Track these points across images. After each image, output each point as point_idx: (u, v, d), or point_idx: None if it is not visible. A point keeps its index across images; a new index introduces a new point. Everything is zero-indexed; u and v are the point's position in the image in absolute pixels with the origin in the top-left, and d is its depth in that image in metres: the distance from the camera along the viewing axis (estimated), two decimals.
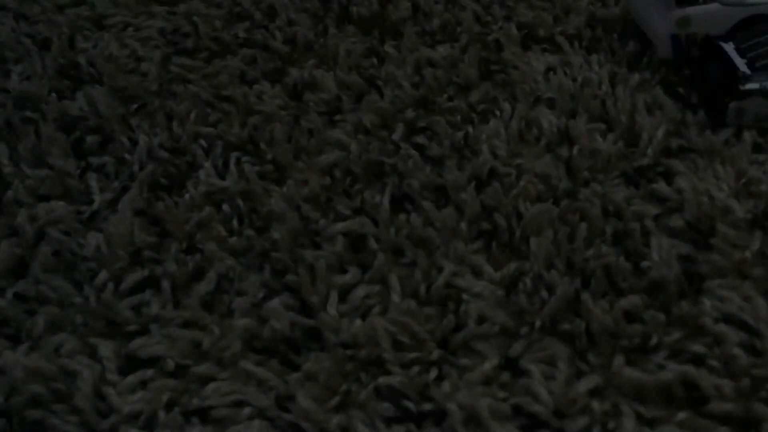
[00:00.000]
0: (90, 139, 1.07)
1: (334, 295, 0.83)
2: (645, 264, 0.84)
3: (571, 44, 1.20)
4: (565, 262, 0.86)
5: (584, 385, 0.74)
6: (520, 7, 1.28)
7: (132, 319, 0.83)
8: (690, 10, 1.14)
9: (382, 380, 0.76)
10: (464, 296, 0.83)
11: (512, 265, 0.86)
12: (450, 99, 1.10)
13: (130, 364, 0.80)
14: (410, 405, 0.75)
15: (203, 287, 0.86)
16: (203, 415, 0.76)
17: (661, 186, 0.94)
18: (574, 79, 1.12)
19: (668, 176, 0.96)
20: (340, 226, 0.91)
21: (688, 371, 0.74)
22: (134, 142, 1.05)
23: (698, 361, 0.76)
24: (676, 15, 1.14)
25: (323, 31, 1.26)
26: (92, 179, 1.00)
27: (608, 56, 1.17)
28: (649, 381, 0.74)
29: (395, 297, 0.83)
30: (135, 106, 1.12)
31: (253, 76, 1.17)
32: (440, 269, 0.85)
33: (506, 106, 1.08)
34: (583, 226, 0.89)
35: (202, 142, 1.04)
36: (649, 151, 0.99)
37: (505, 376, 0.76)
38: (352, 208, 0.94)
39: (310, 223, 0.92)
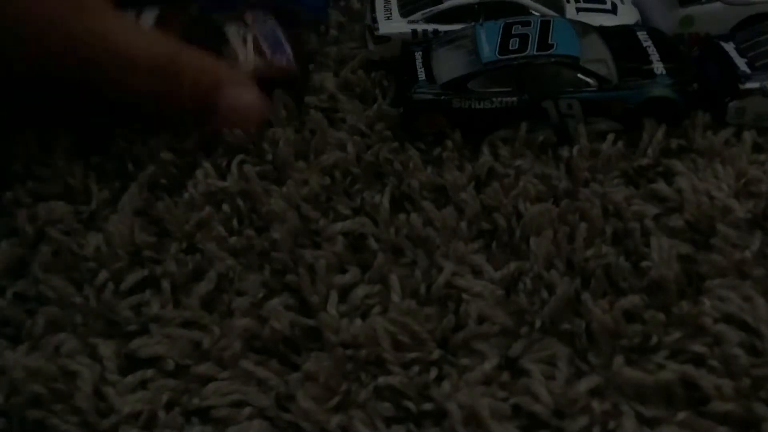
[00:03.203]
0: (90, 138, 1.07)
1: (334, 295, 0.83)
2: (645, 264, 0.84)
3: None
4: (565, 262, 0.86)
5: (584, 385, 0.74)
6: None
7: (132, 319, 0.83)
8: (693, 10, 1.14)
9: (382, 380, 0.76)
10: (464, 296, 0.83)
11: (512, 265, 0.86)
12: None
13: (130, 364, 0.80)
14: (410, 405, 0.75)
15: (203, 287, 0.86)
16: (203, 415, 0.76)
17: (661, 186, 0.94)
18: None
19: (668, 176, 0.96)
20: (340, 226, 0.91)
21: (688, 371, 0.74)
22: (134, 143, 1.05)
23: (698, 361, 0.76)
24: (679, 14, 1.15)
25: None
26: (92, 179, 1.00)
27: None
28: (649, 381, 0.74)
29: (395, 297, 0.83)
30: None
31: None
32: (440, 269, 0.85)
33: None
34: (583, 226, 0.89)
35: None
36: (649, 151, 0.99)
37: (505, 376, 0.76)
38: (352, 208, 0.94)
39: (310, 223, 0.92)
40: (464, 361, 0.77)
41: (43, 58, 0.92)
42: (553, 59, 1.03)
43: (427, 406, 0.74)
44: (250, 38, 1.06)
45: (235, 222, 0.93)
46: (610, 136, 1.01)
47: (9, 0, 0.89)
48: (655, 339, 0.77)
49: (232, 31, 1.07)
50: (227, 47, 1.05)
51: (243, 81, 1.01)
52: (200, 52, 1.00)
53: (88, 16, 0.92)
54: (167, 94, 0.97)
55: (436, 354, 0.78)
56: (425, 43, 1.15)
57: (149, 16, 1.06)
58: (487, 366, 0.76)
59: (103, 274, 0.87)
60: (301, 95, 1.07)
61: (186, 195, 0.95)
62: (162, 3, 1.09)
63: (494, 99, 1.03)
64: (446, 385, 0.75)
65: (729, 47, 1.07)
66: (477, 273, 0.85)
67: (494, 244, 0.89)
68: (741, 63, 1.04)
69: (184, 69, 0.97)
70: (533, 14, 1.16)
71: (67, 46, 0.91)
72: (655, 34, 1.12)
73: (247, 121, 1.00)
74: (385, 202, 0.93)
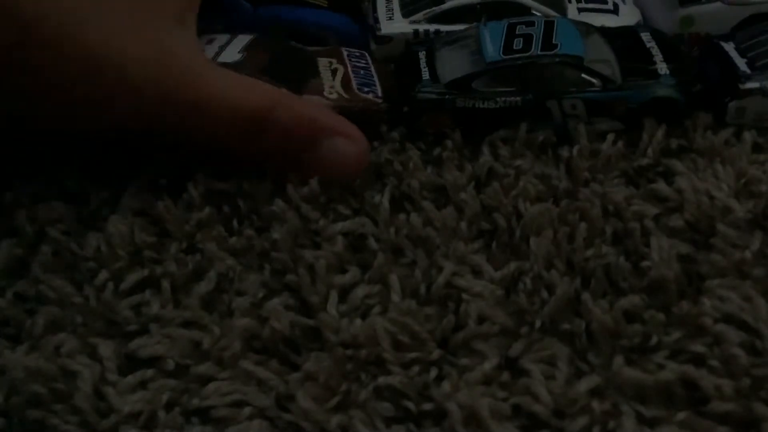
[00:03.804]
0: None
1: (334, 295, 0.83)
2: (645, 264, 0.84)
3: None
4: (565, 262, 0.86)
5: (584, 385, 0.74)
6: None
7: (132, 319, 0.83)
8: (693, 9, 1.14)
9: (382, 380, 0.76)
10: (464, 296, 0.83)
11: (512, 265, 0.86)
12: None
13: (130, 364, 0.80)
14: (410, 405, 0.75)
15: (203, 287, 0.86)
16: (203, 415, 0.76)
17: (661, 186, 0.94)
18: None
19: (668, 176, 0.96)
20: (340, 226, 0.91)
21: (688, 371, 0.74)
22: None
23: (698, 361, 0.76)
24: (680, 14, 1.15)
25: None
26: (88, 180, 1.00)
27: None
28: (649, 381, 0.74)
29: (395, 297, 0.83)
30: None
31: None
32: (440, 269, 0.85)
33: None
34: (583, 226, 0.89)
35: None
36: (649, 151, 0.99)
37: (505, 376, 0.76)
38: (352, 208, 0.95)
39: (310, 223, 0.92)
40: (464, 361, 0.77)
41: (131, 117, 0.90)
42: (557, 59, 1.03)
43: (427, 406, 0.74)
44: (340, 71, 1.05)
45: (235, 222, 0.93)
46: (610, 136, 1.01)
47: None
48: (655, 339, 0.77)
49: (323, 64, 1.06)
50: (315, 78, 1.03)
51: (346, 131, 0.94)
52: (300, 101, 0.96)
53: (180, 70, 0.90)
54: (256, 146, 0.92)
55: (436, 354, 0.78)
56: (429, 42, 1.15)
57: (241, 42, 1.04)
58: (487, 366, 0.76)
59: (103, 274, 0.87)
60: (377, 129, 1.03)
61: (186, 195, 0.95)
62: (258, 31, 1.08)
63: (498, 99, 1.03)
64: (446, 385, 0.75)
65: (729, 47, 1.07)
66: (477, 273, 0.85)
67: (494, 244, 0.89)
68: (741, 63, 1.04)
69: (278, 121, 0.92)
70: (535, 14, 1.16)
71: (159, 102, 0.89)
72: (657, 34, 1.12)
73: (346, 172, 0.95)
74: (385, 202, 0.93)
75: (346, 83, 1.04)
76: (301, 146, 0.93)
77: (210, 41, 1.05)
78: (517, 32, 1.07)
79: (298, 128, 0.93)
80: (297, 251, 0.88)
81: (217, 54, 1.02)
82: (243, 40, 1.05)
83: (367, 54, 1.13)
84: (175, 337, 0.81)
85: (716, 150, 0.99)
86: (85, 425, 0.75)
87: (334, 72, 1.06)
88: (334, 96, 1.02)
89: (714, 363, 0.75)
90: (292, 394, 0.75)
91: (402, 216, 0.92)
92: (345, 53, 1.10)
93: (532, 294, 0.83)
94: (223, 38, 1.06)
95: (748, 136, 1.00)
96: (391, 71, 1.12)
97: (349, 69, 1.07)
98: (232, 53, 1.03)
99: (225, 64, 1.00)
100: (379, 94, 1.04)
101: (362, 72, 1.07)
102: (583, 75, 1.03)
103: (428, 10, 1.19)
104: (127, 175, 1.00)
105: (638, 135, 1.01)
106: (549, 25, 1.07)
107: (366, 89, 1.04)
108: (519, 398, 0.74)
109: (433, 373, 0.77)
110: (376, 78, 1.07)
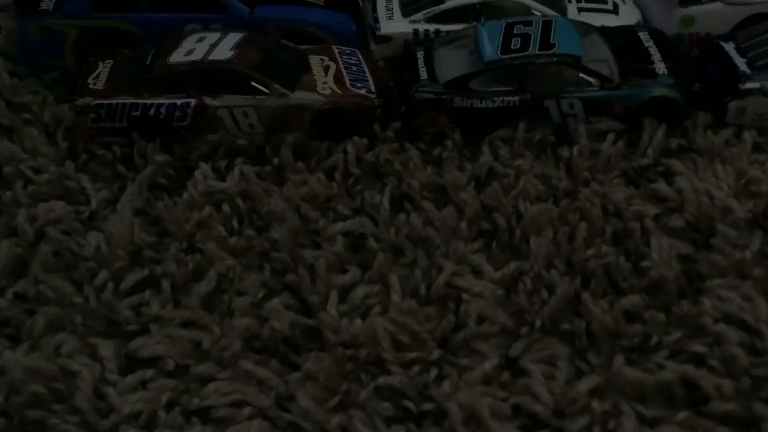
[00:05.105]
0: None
1: (334, 295, 0.83)
2: (645, 264, 0.85)
3: None
4: (565, 262, 0.86)
5: (584, 385, 0.74)
6: None
7: (132, 319, 0.83)
8: (693, 9, 1.15)
9: (382, 380, 0.76)
10: (464, 296, 0.83)
11: (512, 265, 0.86)
12: None
13: (130, 364, 0.80)
14: (410, 405, 0.75)
15: (203, 287, 0.86)
16: (203, 415, 0.76)
17: (661, 186, 0.94)
18: None
19: (668, 176, 0.96)
20: (340, 226, 0.91)
21: (688, 371, 0.74)
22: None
23: (698, 360, 0.76)
24: (680, 14, 1.15)
25: None
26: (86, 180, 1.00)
27: None
28: (649, 381, 0.74)
29: (395, 297, 0.83)
30: None
31: None
32: (440, 269, 0.85)
33: None
34: (583, 226, 0.89)
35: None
36: (649, 151, 0.99)
37: (505, 376, 0.76)
38: (352, 208, 0.95)
39: (310, 223, 0.92)
40: (464, 361, 0.77)
41: None
42: (555, 59, 1.03)
43: (427, 406, 0.74)
44: (332, 68, 1.09)
45: (235, 222, 0.93)
46: (610, 136, 1.01)
47: None
48: (655, 339, 0.77)
49: (315, 61, 1.10)
50: (308, 75, 1.07)
51: None
52: None
53: None
54: None
55: (436, 354, 0.78)
56: (427, 42, 1.15)
57: (232, 39, 1.08)
58: (487, 366, 0.76)
59: (103, 274, 0.87)
60: (371, 125, 1.05)
61: (186, 195, 0.95)
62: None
63: (496, 98, 1.03)
64: (446, 385, 0.75)
65: (729, 47, 1.07)
66: (477, 273, 0.85)
67: (494, 244, 0.89)
68: (741, 63, 1.04)
69: None
70: (534, 14, 1.16)
71: None
72: (656, 34, 1.12)
73: None
74: (385, 202, 0.93)
75: (338, 79, 1.07)
76: None
77: (201, 39, 1.08)
78: (515, 32, 1.07)
79: None
80: (297, 251, 0.88)
81: (209, 51, 1.05)
82: (234, 37, 1.08)
83: (357, 51, 1.15)
84: (175, 337, 0.81)
85: (716, 150, 0.99)
86: (85, 425, 0.75)
87: (326, 69, 1.09)
88: (328, 92, 1.05)
89: (714, 363, 0.75)
90: (292, 394, 0.75)
91: (402, 216, 0.92)
92: (336, 51, 1.14)
93: (532, 294, 0.83)
94: (214, 36, 1.09)
95: (748, 136, 1.00)
96: (383, 68, 1.15)
97: (341, 65, 1.10)
98: (224, 50, 1.06)
99: (217, 61, 1.04)
100: (372, 89, 1.07)
101: (354, 68, 1.11)
102: (581, 74, 1.04)
103: (428, 10, 1.20)
104: (127, 175, 1.00)
105: (638, 135, 1.01)
106: (547, 24, 1.07)
107: (359, 85, 1.07)
108: (519, 398, 0.74)
109: (433, 373, 0.77)
110: (368, 74, 1.10)
